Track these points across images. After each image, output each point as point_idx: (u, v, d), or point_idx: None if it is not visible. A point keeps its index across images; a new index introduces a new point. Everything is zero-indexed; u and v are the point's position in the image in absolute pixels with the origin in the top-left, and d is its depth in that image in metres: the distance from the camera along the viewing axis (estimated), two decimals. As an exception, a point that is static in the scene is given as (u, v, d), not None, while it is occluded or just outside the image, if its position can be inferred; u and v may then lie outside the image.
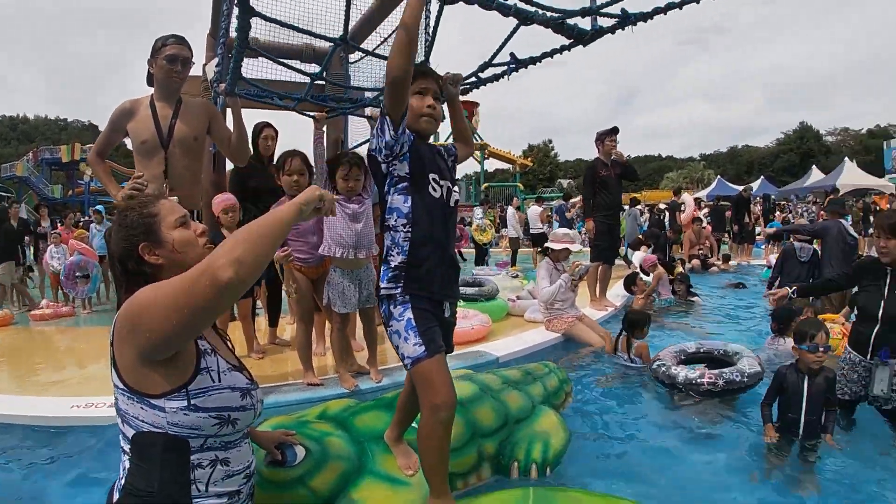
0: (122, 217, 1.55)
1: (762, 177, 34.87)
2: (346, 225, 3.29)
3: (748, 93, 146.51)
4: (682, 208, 12.31)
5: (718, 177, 36.60)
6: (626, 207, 11.43)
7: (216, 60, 3.60)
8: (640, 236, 9.69)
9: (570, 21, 2.53)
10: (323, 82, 5.20)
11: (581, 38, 2.58)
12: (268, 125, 4.85)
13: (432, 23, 3.68)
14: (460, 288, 5.87)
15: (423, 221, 1.98)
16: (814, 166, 32.27)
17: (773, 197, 27.60)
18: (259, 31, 4.27)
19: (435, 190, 2.02)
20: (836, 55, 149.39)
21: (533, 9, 2.42)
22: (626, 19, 2.40)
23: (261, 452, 1.98)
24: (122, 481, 1.43)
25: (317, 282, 3.63)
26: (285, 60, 3.67)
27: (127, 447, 1.43)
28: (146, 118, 3.14)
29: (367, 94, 5.12)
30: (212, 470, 1.45)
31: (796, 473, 2.72)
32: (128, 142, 3.34)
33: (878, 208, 15.71)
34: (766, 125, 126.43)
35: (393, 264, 1.98)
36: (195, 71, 3.52)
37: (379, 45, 5.04)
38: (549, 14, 2.44)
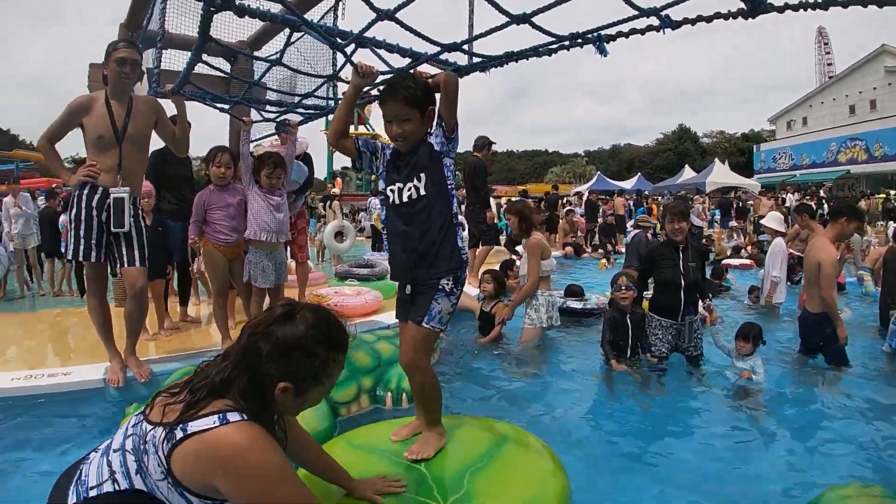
0: (309, 338, 1.42)
1: (639, 173, 38.15)
2: (270, 214, 3.90)
3: (631, 95, 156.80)
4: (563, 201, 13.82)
5: (598, 172, 39.15)
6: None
7: (152, 54, 3.88)
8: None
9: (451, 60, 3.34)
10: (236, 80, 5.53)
11: (458, 72, 3.38)
12: (184, 119, 5.21)
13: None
14: (355, 269, 6.55)
15: (387, 225, 2.35)
16: (686, 165, 35.00)
17: (645, 192, 30.39)
18: (170, 25, 4.57)
19: (390, 196, 2.29)
20: (715, 65, 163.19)
21: (423, 50, 3.19)
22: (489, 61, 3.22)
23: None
24: (93, 492, 1.37)
25: (233, 261, 4.13)
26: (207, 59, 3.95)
27: (124, 484, 1.36)
28: (102, 116, 3.38)
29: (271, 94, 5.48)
30: None
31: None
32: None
33: (740, 204, 17.92)
34: (647, 126, 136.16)
35: None
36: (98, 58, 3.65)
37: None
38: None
